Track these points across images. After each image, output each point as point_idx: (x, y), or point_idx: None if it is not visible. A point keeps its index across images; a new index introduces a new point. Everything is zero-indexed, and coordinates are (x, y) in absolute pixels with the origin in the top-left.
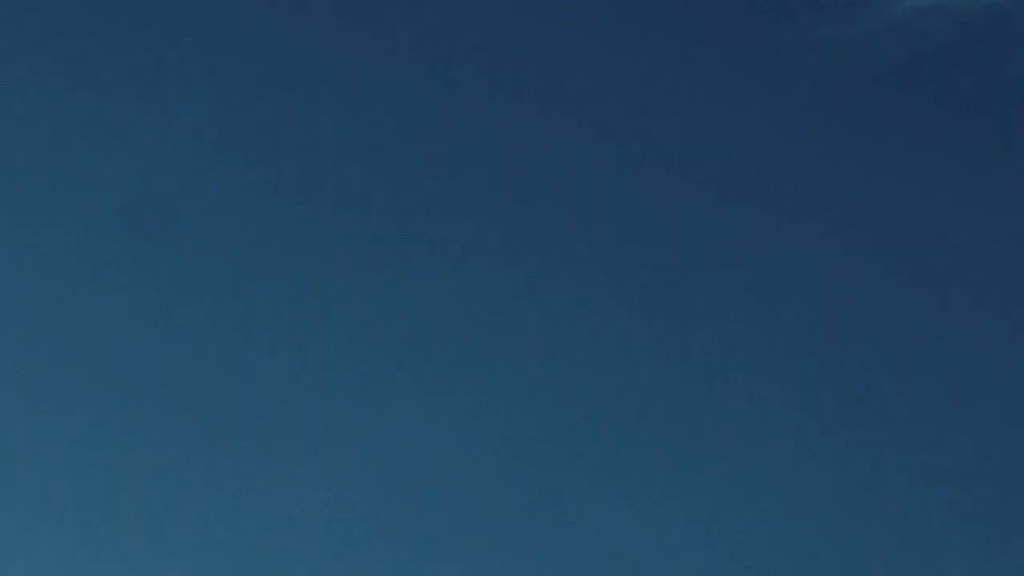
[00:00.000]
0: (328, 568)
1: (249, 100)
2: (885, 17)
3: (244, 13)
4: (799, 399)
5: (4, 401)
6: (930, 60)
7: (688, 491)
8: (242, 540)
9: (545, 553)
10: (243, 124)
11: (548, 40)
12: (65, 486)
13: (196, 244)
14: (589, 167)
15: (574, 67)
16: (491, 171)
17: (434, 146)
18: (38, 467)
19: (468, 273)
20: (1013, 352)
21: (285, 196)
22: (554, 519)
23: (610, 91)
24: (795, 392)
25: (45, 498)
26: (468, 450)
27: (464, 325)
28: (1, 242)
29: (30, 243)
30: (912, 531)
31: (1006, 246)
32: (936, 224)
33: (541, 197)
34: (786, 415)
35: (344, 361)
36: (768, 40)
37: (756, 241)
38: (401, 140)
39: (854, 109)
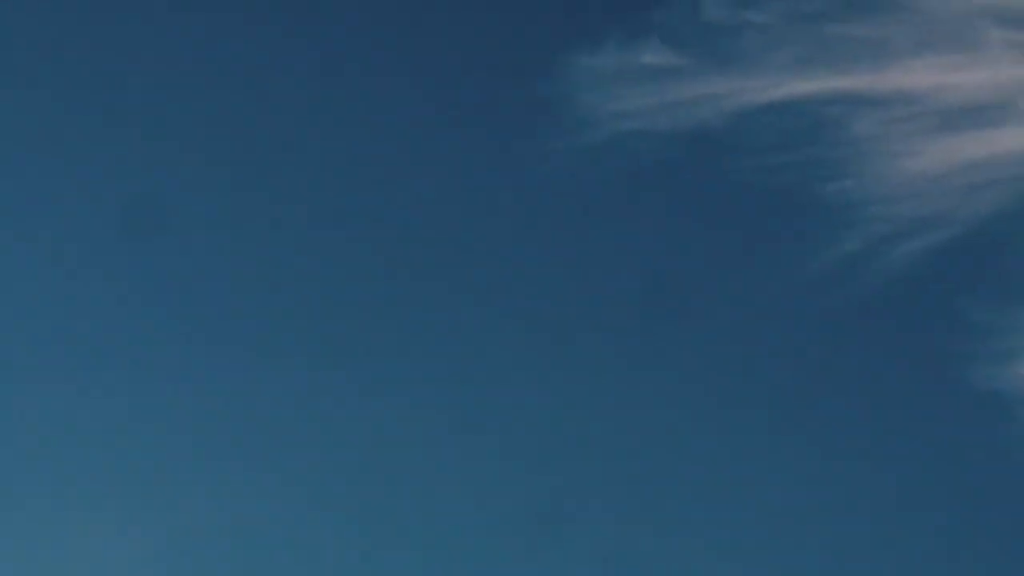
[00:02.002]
0: None
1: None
2: (600, 135)
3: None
4: None
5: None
6: (645, 174)
7: None
8: None
9: None
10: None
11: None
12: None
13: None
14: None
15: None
16: None
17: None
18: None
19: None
20: None
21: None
22: None
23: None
24: None
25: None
26: None
27: None
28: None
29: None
30: None
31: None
32: (652, 330)
33: None
34: None
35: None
36: (504, 154)
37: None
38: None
39: (579, 217)
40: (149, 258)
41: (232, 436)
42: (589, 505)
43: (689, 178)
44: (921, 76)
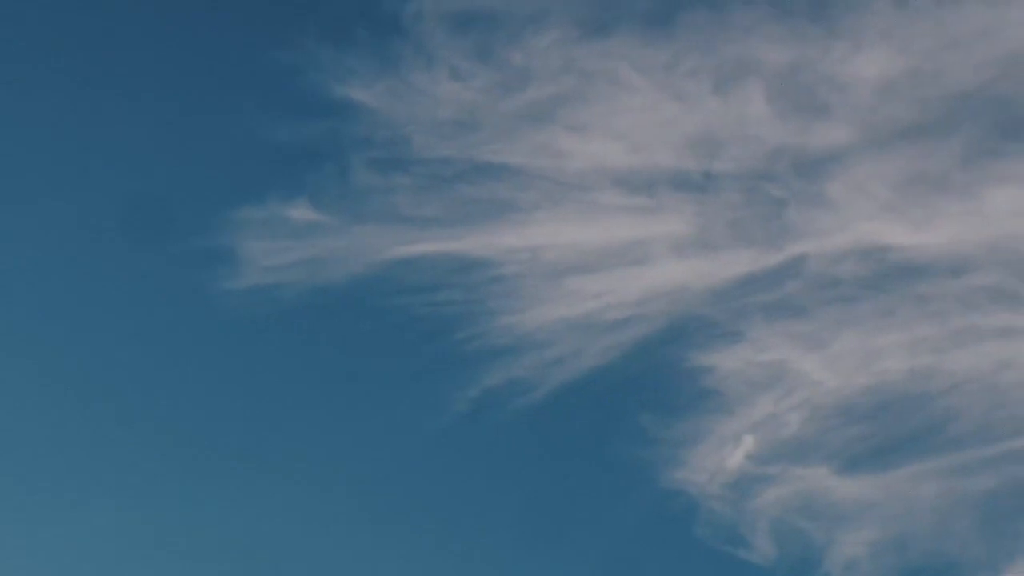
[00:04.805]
0: None
1: None
2: (253, 281)
3: None
4: None
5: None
6: (291, 318)
7: None
8: None
9: None
10: None
11: None
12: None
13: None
14: None
15: None
16: None
17: None
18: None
19: None
20: None
21: None
22: None
23: None
24: None
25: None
26: None
27: None
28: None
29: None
30: None
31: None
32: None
33: None
34: None
35: None
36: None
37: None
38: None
39: (232, 357)
40: None
41: None
42: None
43: (335, 322)
44: (547, 231)
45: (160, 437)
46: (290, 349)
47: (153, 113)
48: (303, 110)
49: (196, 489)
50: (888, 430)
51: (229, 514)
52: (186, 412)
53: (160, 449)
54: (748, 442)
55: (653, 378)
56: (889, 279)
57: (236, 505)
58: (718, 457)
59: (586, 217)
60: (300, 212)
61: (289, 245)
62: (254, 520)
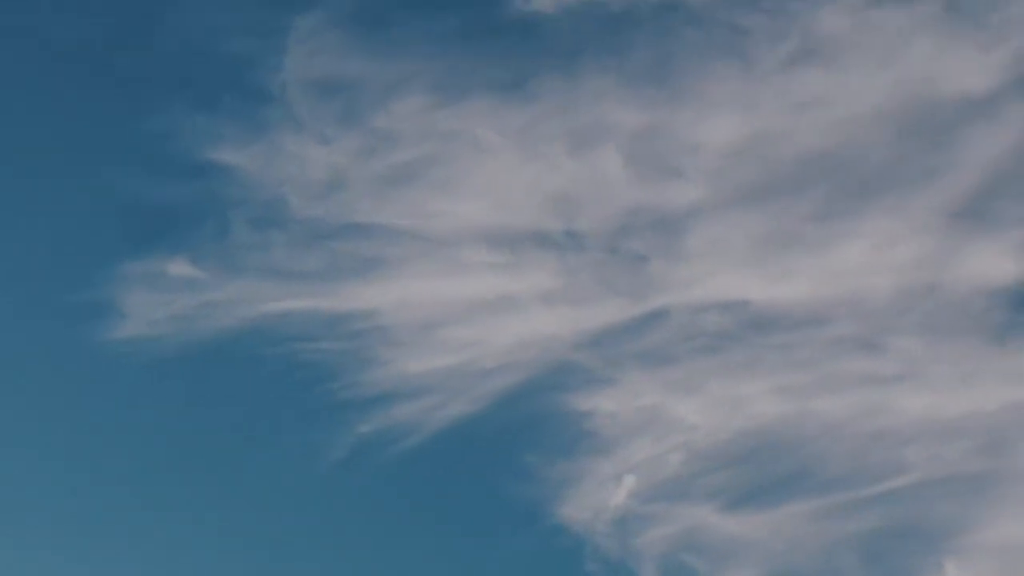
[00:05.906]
0: None
1: None
2: (132, 332)
3: None
4: None
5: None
6: (166, 363)
7: None
8: None
9: None
10: None
11: None
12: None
13: None
14: None
15: None
16: None
17: None
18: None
19: None
20: None
21: None
22: None
23: None
24: None
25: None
26: None
27: None
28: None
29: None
30: None
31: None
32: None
33: None
34: None
35: None
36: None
37: None
38: None
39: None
40: None
41: None
42: None
43: (214, 372)
44: (417, 285)
45: (37, 485)
46: (169, 398)
47: (39, 176)
48: (180, 173)
49: (73, 537)
50: (765, 471)
51: (102, 561)
52: (67, 460)
53: (38, 495)
54: (630, 481)
55: (531, 421)
56: (751, 329)
57: (111, 551)
58: (601, 496)
59: (454, 272)
60: (180, 268)
61: (170, 299)
62: (128, 568)
